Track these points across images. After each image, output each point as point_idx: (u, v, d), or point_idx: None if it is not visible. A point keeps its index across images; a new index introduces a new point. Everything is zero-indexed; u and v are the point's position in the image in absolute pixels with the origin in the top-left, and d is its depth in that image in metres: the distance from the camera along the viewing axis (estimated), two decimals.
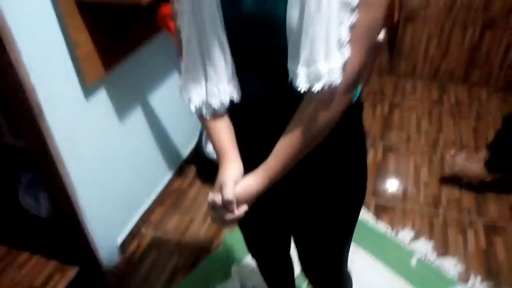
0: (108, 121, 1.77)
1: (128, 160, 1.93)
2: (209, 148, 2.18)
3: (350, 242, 1.13)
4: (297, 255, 1.20)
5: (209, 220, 2.11)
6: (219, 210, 0.84)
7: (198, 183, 2.36)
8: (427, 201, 2.14)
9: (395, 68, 3.18)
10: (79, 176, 1.63)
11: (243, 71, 0.84)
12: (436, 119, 2.75)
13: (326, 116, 0.78)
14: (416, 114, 2.80)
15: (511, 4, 2.68)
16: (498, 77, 2.96)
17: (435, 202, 2.13)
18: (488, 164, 2.08)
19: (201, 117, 0.90)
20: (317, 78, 0.72)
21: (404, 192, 2.21)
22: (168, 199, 2.26)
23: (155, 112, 2.09)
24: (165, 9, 1.61)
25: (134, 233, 2.05)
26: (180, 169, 2.40)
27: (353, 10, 0.69)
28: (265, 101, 0.85)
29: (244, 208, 0.84)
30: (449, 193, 2.18)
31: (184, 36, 0.82)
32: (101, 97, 1.69)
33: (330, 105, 0.77)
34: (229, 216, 0.84)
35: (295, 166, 0.85)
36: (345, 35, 0.70)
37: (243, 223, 1.15)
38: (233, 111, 0.89)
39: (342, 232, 1.08)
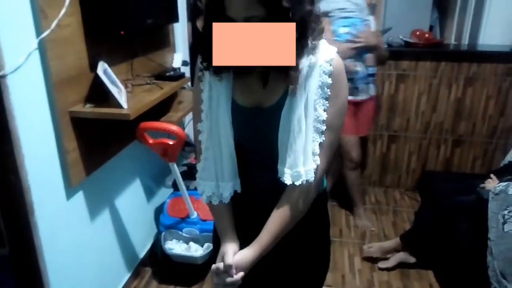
0: (81, 219, 1.95)
1: (95, 256, 2.07)
2: (168, 244, 2.36)
3: None
4: None
5: None
6: (221, 275, 1.07)
7: (154, 284, 2.47)
8: (363, 285, 2.46)
9: None
10: (54, 268, 1.75)
11: (248, 171, 1.15)
12: None
13: (304, 201, 1.10)
14: (344, 211, 3.24)
15: (407, 120, 3.40)
16: (406, 179, 3.57)
17: (370, 285, 2.45)
18: (403, 237, 2.53)
19: (209, 203, 1.17)
20: (298, 177, 1.05)
21: (343, 278, 2.51)
22: None
23: (119, 214, 2.29)
24: (144, 125, 1.95)
25: None
26: (136, 271, 2.52)
27: (322, 133, 1.05)
28: (262, 191, 1.16)
29: (241, 274, 1.07)
30: (379, 276, 2.52)
31: (203, 146, 1.13)
32: (79, 198, 1.91)
33: (306, 194, 1.09)
34: (229, 280, 1.07)
35: (277, 245, 1.11)
36: (317, 149, 1.06)
37: None
38: (237, 198, 1.16)
39: None
